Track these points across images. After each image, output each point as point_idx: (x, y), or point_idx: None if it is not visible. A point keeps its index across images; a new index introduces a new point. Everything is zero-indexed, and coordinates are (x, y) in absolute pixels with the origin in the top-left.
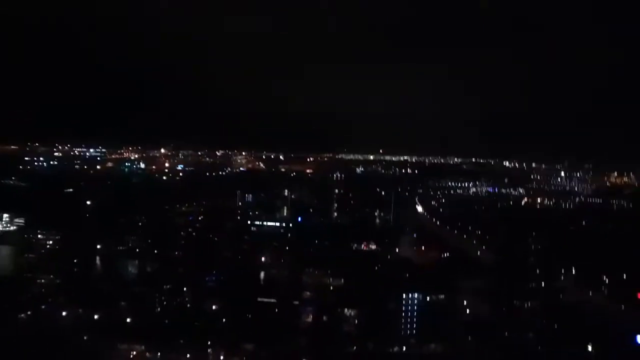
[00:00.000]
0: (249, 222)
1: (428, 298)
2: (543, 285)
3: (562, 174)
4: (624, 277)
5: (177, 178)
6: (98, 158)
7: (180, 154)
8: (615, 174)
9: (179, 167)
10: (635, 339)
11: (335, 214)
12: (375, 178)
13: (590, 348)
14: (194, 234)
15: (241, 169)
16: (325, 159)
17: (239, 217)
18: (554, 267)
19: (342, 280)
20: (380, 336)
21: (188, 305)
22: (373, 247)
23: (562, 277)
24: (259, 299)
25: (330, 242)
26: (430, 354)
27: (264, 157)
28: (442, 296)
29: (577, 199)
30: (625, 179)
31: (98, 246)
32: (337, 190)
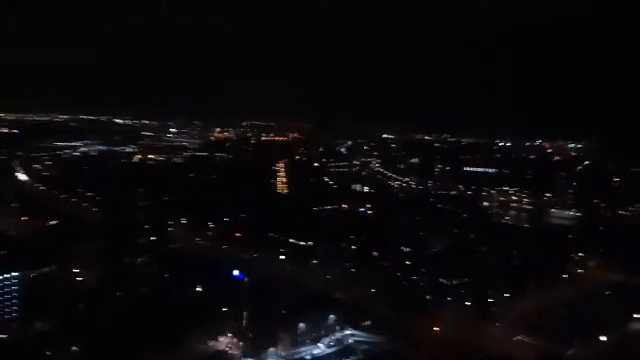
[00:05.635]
0: None
1: (31, 274)
2: (154, 238)
3: (174, 130)
4: (227, 221)
5: None
6: None
7: None
8: (218, 129)
9: None
10: (232, 272)
11: None
12: None
13: (200, 288)
14: None
15: None
16: None
17: None
18: (163, 220)
19: None
20: None
21: None
22: None
23: (172, 228)
24: None
25: None
26: (36, 333)
27: None
28: (48, 268)
29: (187, 154)
30: (227, 133)
31: None
32: None
